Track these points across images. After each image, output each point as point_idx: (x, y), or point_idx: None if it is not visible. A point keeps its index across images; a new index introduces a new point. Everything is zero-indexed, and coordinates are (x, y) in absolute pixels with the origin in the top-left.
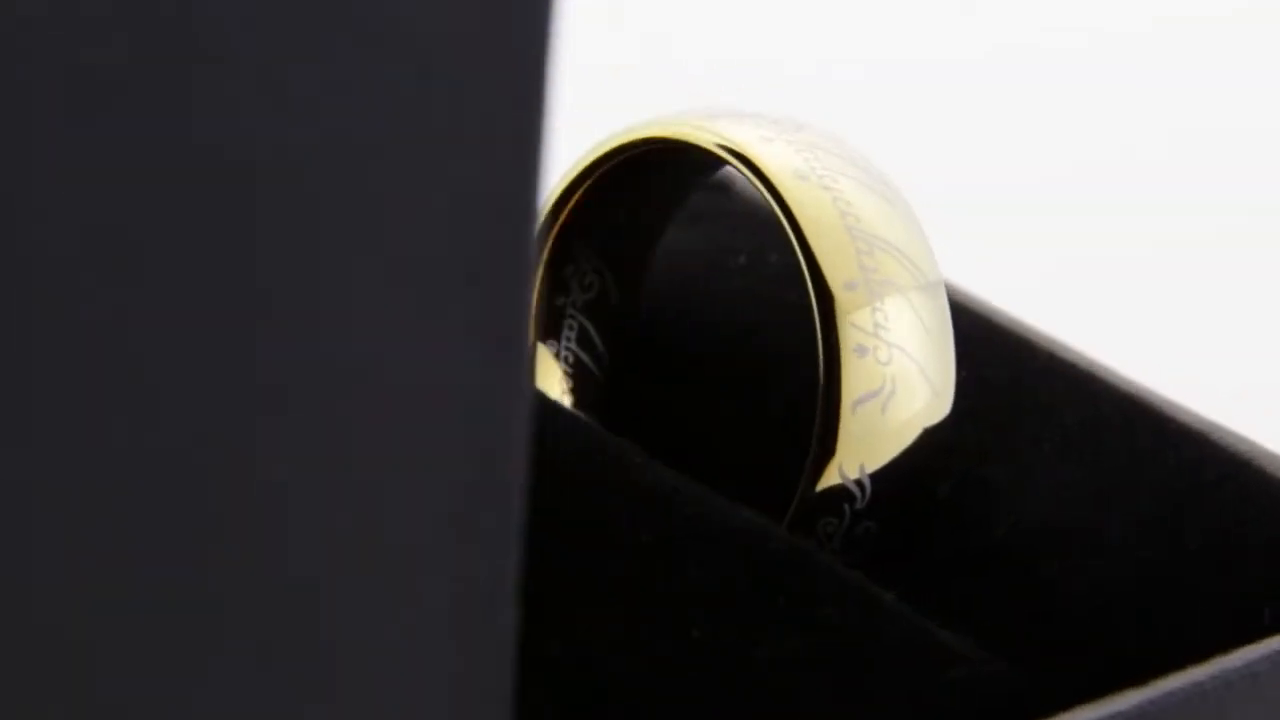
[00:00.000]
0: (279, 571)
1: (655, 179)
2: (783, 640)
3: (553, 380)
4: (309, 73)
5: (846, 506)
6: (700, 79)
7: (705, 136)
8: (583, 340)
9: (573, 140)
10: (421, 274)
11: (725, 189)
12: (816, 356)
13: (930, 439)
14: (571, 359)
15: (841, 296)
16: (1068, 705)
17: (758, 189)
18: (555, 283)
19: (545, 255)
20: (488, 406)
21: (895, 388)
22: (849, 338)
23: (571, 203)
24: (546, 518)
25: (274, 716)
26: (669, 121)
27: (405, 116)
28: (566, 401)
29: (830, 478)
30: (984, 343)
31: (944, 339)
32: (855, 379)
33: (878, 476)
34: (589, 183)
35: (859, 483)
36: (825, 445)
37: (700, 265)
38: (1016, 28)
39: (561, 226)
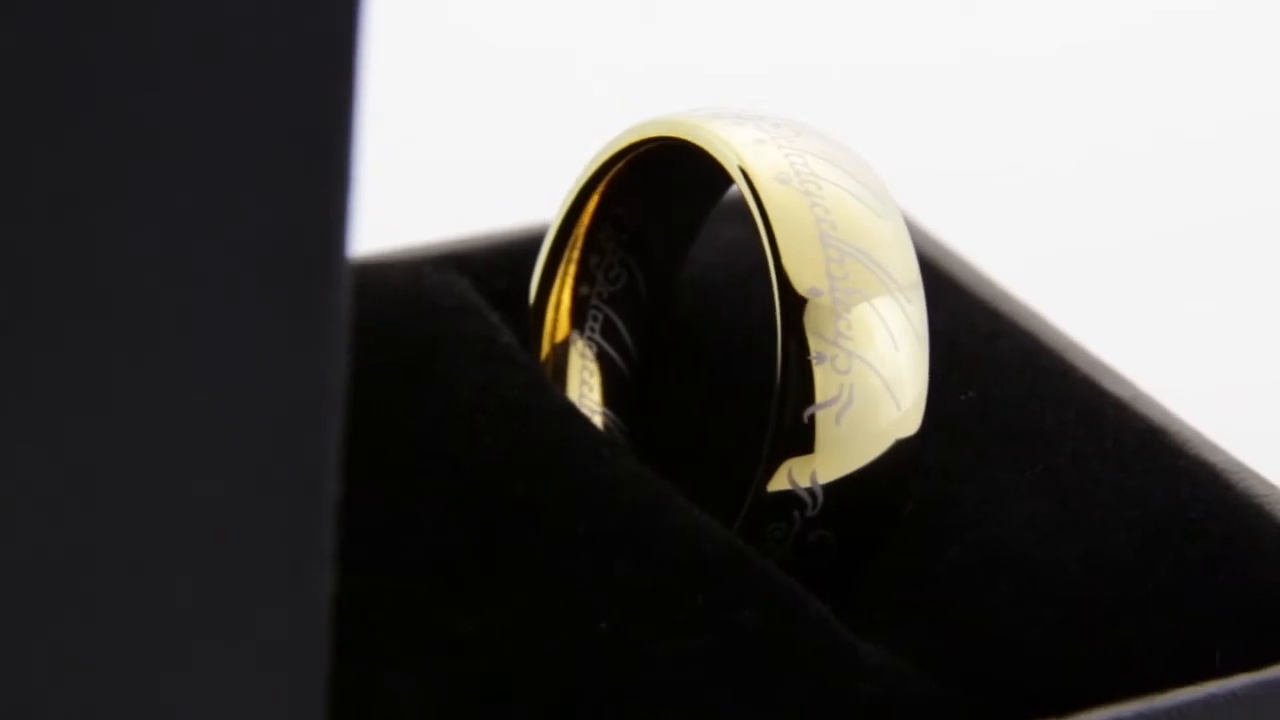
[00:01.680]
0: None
1: (669, 176)
2: (688, 638)
3: (573, 369)
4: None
5: (797, 513)
6: (744, 79)
7: (701, 135)
8: (607, 332)
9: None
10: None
11: None
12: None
13: (896, 454)
14: (594, 350)
15: (803, 301)
16: None
17: (741, 189)
18: (581, 273)
19: (570, 243)
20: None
21: (854, 398)
22: (808, 343)
23: (595, 194)
24: (492, 498)
25: None
26: (672, 120)
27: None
28: (588, 391)
29: (780, 482)
30: (991, 362)
31: (915, 354)
32: (810, 385)
33: (833, 487)
34: (610, 175)
35: (810, 490)
36: (775, 449)
37: (742, 266)
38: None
39: (586, 216)
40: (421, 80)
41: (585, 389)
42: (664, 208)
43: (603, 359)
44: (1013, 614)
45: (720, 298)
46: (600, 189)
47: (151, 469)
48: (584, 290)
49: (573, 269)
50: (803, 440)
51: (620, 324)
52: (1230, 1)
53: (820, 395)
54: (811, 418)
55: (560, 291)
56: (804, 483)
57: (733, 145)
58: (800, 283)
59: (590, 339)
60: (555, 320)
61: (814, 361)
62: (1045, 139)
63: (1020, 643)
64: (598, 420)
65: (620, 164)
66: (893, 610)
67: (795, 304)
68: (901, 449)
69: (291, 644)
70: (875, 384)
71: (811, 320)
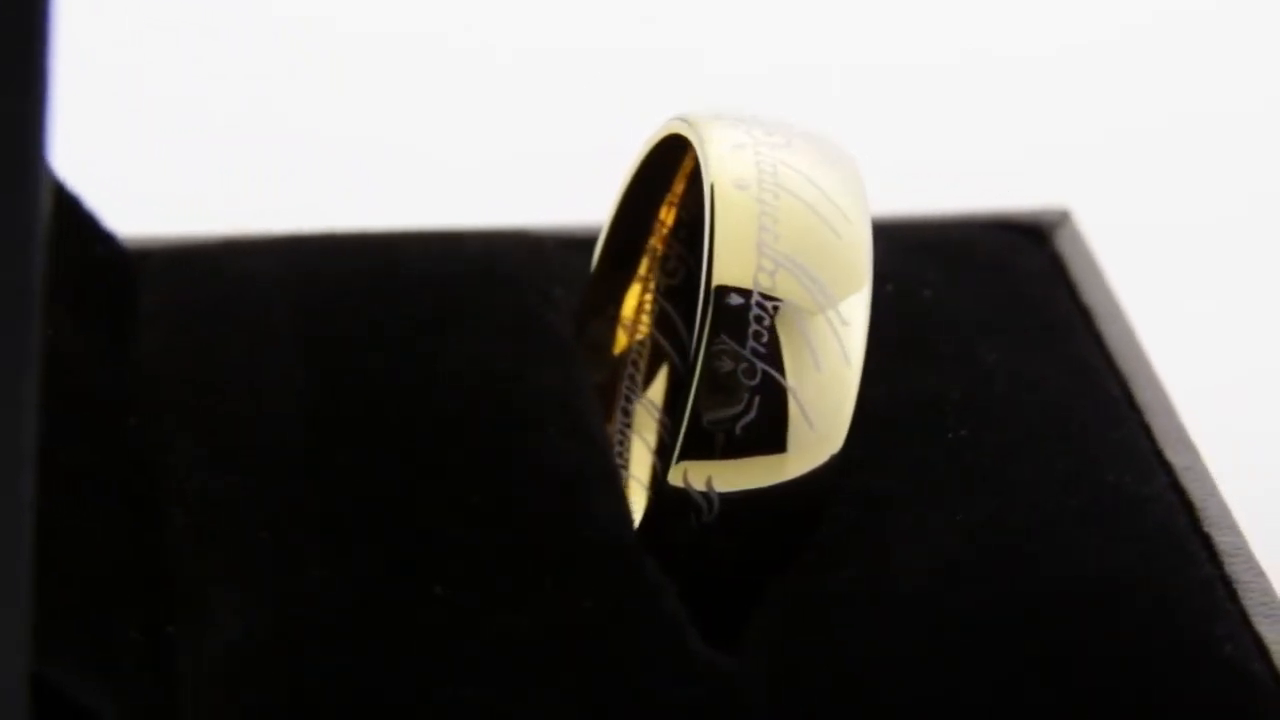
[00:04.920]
0: None
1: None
2: (520, 618)
3: (622, 358)
4: None
5: (694, 516)
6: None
7: (696, 134)
8: (661, 323)
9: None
10: None
11: None
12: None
13: (807, 475)
14: (647, 340)
15: (722, 306)
16: None
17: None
18: (638, 265)
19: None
20: None
21: (757, 412)
22: (719, 349)
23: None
24: (414, 458)
25: None
26: (685, 117)
27: None
28: (638, 382)
29: (677, 480)
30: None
31: (840, 376)
32: (713, 391)
33: (733, 499)
34: (650, 172)
35: (706, 495)
36: (672, 444)
37: None
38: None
39: (642, 211)
40: (429, 82)
41: (632, 382)
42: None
43: (654, 348)
44: (875, 651)
45: None
46: (650, 183)
47: None
48: (640, 283)
49: (633, 261)
50: (701, 444)
51: (675, 315)
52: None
53: (723, 402)
54: (712, 422)
55: (617, 283)
56: (699, 486)
57: (711, 147)
58: (722, 287)
59: (645, 332)
60: (612, 312)
61: (719, 367)
62: (1045, 137)
63: (867, 680)
64: (652, 418)
65: (660, 158)
66: (765, 630)
67: (714, 307)
68: (814, 471)
69: None
70: (786, 400)
71: (726, 326)
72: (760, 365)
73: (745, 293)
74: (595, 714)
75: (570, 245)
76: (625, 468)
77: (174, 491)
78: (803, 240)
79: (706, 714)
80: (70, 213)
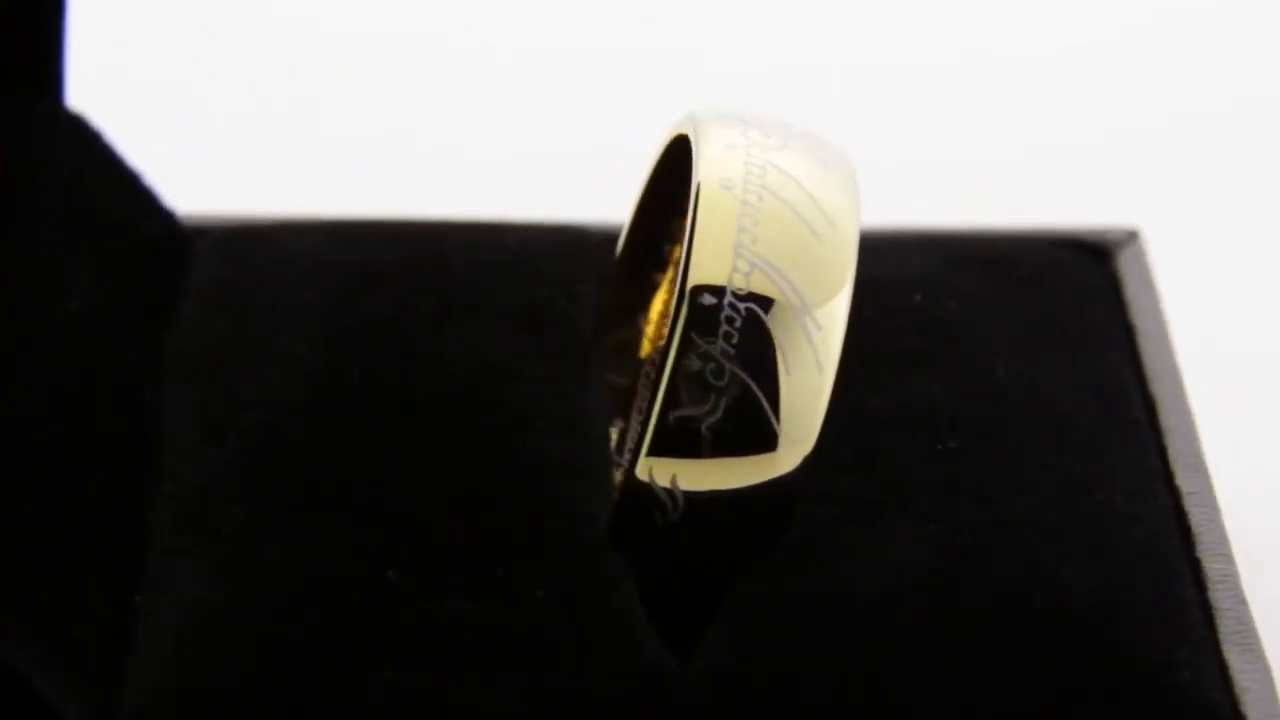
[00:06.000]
0: None
1: None
2: (469, 602)
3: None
4: None
5: (657, 514)
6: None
7: (695, 133)
8: None
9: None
10: None
11: None
12: None
13: (779, 482)
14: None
15: (695, 305)
16: None
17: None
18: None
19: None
20: None
21: (724, 413)
22: (689, 347)
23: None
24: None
25: None
26: (691, 116)
27: None
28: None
29: (644, 474)
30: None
31: (811, 381)
32: (680, 389)
33: (698, 498)
34: (664, 172)
35: (670, 492)
36: (641, 438)
37: None
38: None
39: (659, 208)
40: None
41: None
42: None
43: None
44: (819, 659)
45: None
46: (665, 185)
47: None
48: (669, 286)
49: (655, 265)
50: (667, 440)
51: None
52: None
53: (689, 401)
54: (678, 420)
55: (642, 287)
56: (663, 482)
57: (705, 146)
58: (697, 286)
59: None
60: (639, 316)
61: (688, 366)
62: (1045, 134)
63: (805, 688)
64: None
65: (673, 160)
66: (717, 631)
67: (687, 306)
68: (786, 479)
69: None
70: (754, 402)
71: (698, 325)
72: (729, 366)
73: (719, 292)
74: (523, 704)
75: (615, 241)
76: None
77: (167, 465)
78: (781, 243)
79: (636, 713)
80: (124, 189)
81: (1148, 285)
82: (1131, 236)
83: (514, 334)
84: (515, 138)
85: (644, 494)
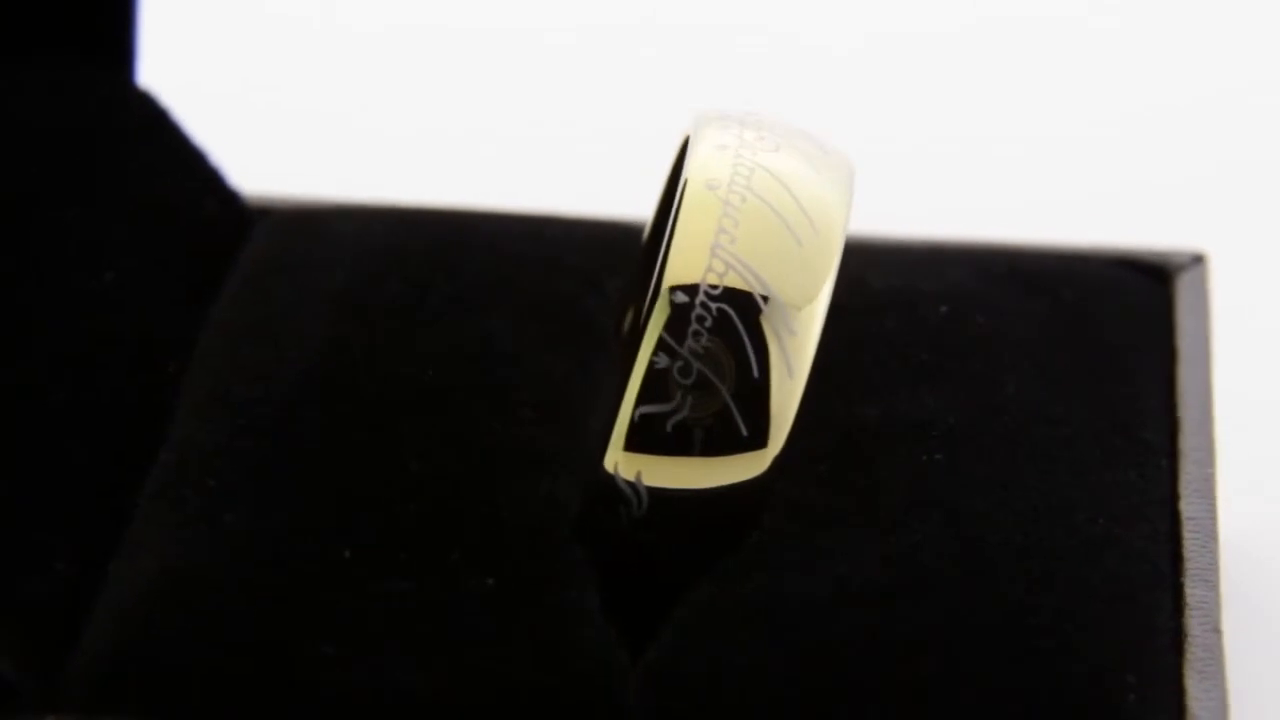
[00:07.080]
0: None
1: None
2: (400, 584)
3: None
4: None
5: (623, 509)
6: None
7: (694, 132)
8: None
9: None
10: None
11: None
12: None
13: (744, 485)
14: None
15: (667, 302)
16: None
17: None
18: None
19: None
20: None
21: (689, 412)
22: (658, 344)
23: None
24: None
25: None
26: (695, 115)
27: None
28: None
29: (609, 465)
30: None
31: (781, 385)
32: (645, 384)
33: (663, 497)
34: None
35: (634, 487)
36: (606, 432)
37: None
38: None
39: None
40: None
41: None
42: None
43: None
44: (757, 664)
45: None
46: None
47: None
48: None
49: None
50: (632, 435)
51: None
52: None
53: (654, 397)
54: (643, 416)
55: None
56: (627, 476)
57: (698, 145)
58: (671, 283)
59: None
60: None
61: (656, 363)
62: (1044, 126)
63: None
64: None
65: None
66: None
67: (660, 303)
68: (756, 483)
69: None
70: (720, 402)
71: (669, 322)
72: (696, 365)
73: (692, 290)
74: (455, 688)
75: None
76: None
77: (173, 435)
78: (760, 245)
79: (572, 705)
80: (184, 167)
81: (1201, 310)
82: (1196, 260)
83: (530, 325)
84: (583, 133)
85: (610, 488)
